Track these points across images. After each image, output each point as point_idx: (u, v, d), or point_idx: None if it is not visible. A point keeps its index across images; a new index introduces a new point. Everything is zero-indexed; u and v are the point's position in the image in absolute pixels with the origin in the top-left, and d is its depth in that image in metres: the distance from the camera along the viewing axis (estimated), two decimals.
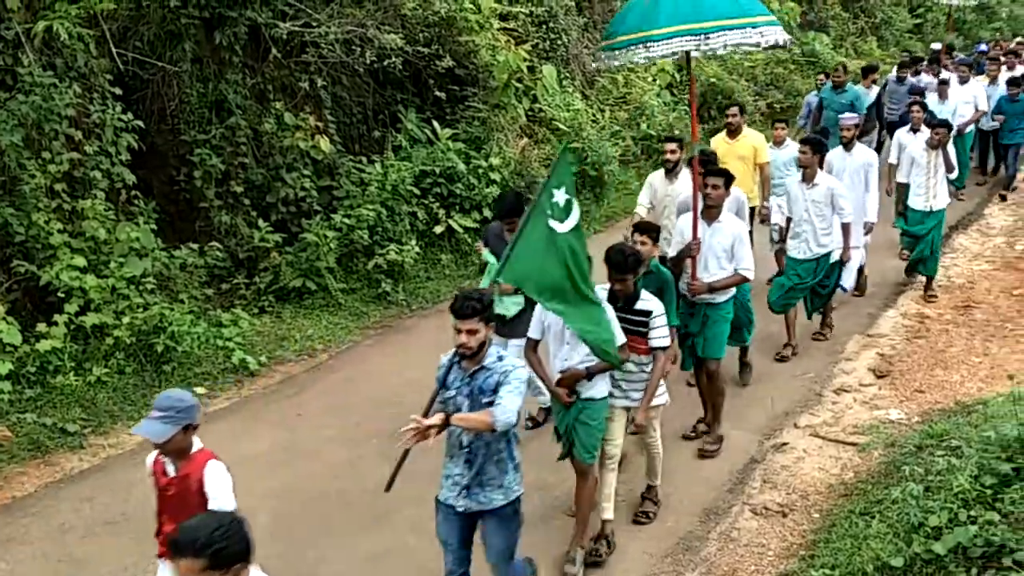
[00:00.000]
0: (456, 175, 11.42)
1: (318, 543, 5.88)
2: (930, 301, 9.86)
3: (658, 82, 17.09)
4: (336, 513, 6.20)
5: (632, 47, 6.45)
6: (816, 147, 8.39)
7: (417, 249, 10.57)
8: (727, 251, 6.78)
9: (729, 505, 6.28)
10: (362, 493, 6.25)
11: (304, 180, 10.11)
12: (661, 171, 8.67)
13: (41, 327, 7.63)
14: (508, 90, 12.58)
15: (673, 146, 8.45)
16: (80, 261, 7.85)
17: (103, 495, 6.47)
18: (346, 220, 10.08)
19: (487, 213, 11.60)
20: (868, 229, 9.48)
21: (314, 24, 10.35)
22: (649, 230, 6.19)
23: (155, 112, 9.43)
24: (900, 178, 10.66)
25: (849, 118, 9.89)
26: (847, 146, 9.59)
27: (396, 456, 4.49)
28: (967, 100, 14.30)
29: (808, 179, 8.36)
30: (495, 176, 11.72)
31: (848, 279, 9.31)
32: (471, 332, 4.34)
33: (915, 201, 9.96)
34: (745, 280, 6.92)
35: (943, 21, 31.07)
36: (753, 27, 6.36)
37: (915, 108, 11.26)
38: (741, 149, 9.47)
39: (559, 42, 14.83)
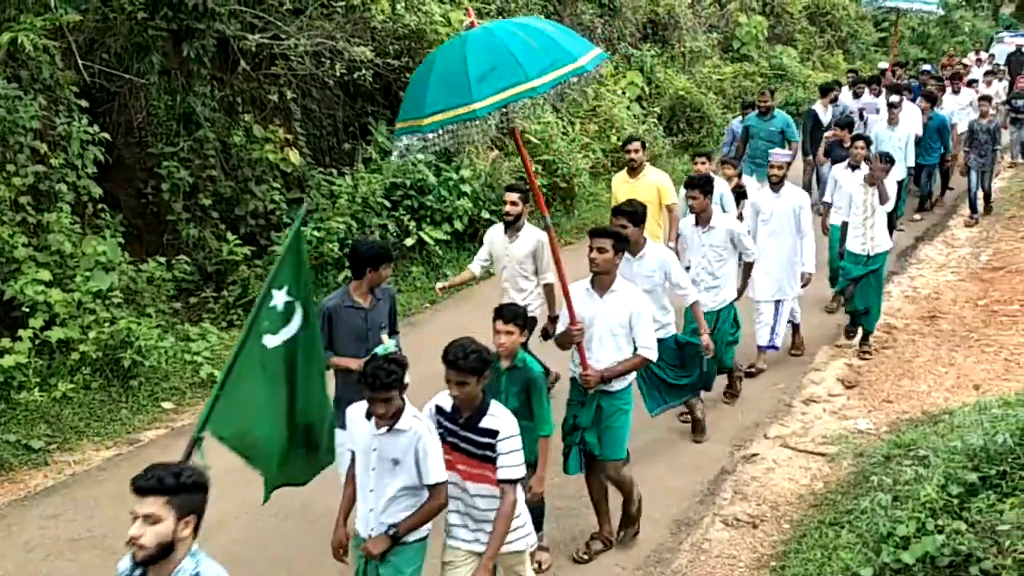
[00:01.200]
0: (427, 187, 11.41)
1: (292, 561, 5.82)
2: (864, 358, 8.82)
3: (627, 94, 17.19)
4: (309, 529, 6.14)
5: (446, 128, 4.92)
6: (705, 188, 7.38)
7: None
8: (624, 327, 5.44)
9: (700, 516, 6.29)
10: (336, 510, 6.19)
11: (273, 193, 10.06)
12: (500, 226, 7.53)
13: (5, 342, 7.52)
14: None
15: (514, 196, 7.26)
16: (45, 275, 7.75)
17: (68, 513, 6.38)
18: (316, 233, 10.03)
19: (458, 225, 11.60)
20: (804, 280, 8.44)
21: (283, 36, 10.32)
22: (516, 317, 4.92)
23: (122, 125, 9.34)
24: (836, 218, 9.46)
25: (780, 155, 8.71)
26: (776, 186, 8.37)
27: None
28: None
29: (703, 222, 7.41)
30: (466, 188, 11.73)
31: (778, 336, 8.52)
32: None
33: (853, 243, 8.91)
34: (647, 362, 5.61)
35: (908, 35, 31.52)
36: (584, 71, 5.07)
37: (859, 144, 9.81)
38: (643, 190, 8.29)
39: None
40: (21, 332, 7.57)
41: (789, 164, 8.70)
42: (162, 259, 9.03)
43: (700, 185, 7.34)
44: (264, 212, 10.02)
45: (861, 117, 13.50)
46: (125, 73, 9.13)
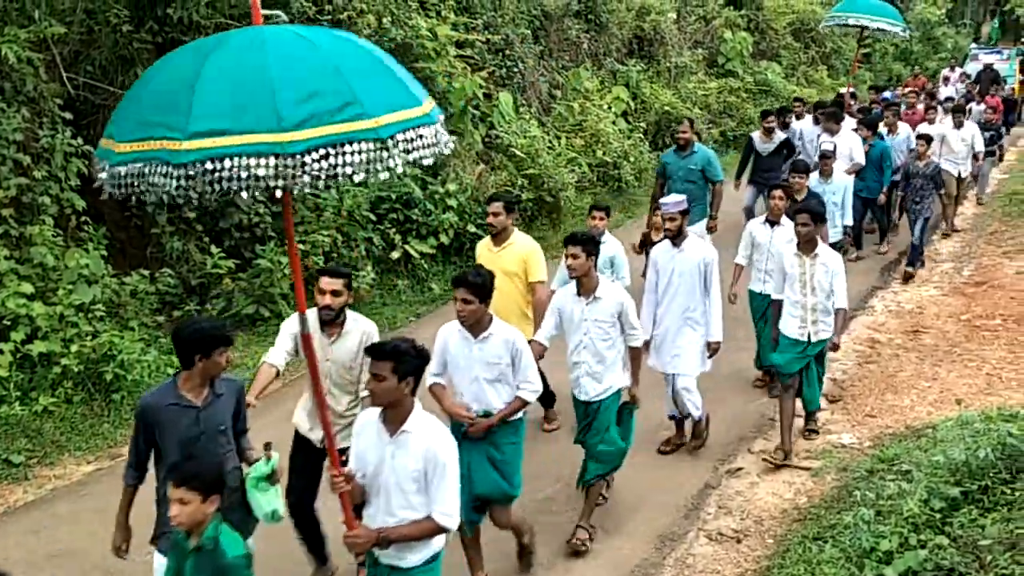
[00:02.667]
0: (413, 201, 11.41)
1: None
2: (810, 438, 7.59)
3: (613, 109, 17.27)
4: (292, 546, 6.09)
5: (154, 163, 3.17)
6: (588, 247, 5.86)
7: (373, 275, 10.54)
8: (418, 478, 4.02)
9: (684, 531, 6.29)
10: None
11: (258, 206, 10.03)
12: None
13: None
14: (465, 116, 12.62)
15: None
16: (27, 288, 7.71)
17: (49, 528, 6.32)
18: (301, 246, 10.00)
19: (443, 239, 11.60)
20: (712, 350, 7.14)
21: None
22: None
23: None
24: (756, 284, 8.33)
25: (672, 204, 7.04)
26: (675, 240, 7.02)
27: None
28: (840, 152, 11.48)
29: (585, 291, 5.94)
30: (452, 202, 11.74)
31: (693, 404, 7.18)
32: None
33: (788, 325, 7.24)
34: (441, 530, 4.09)
35: (891, 51, 31.80)
36: (431, 121, 3.70)
37: (776, 194, 8.20)
38: (508, 260, 6.93)
39: (515, 69, 14.95)
40: (2, 345, 7.51)
41: (686, 213, 7.04)
42: (145, 272, 8.98)
43: (582, 243, 5.83)
44: (249, 225, 9.98)
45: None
46: (110, 86, 9.10)
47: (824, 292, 7.08)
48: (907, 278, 11.71)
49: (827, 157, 10.36)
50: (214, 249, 9.58)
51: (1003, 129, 18.78)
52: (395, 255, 11.16)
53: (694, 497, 6.74)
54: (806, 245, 7.11)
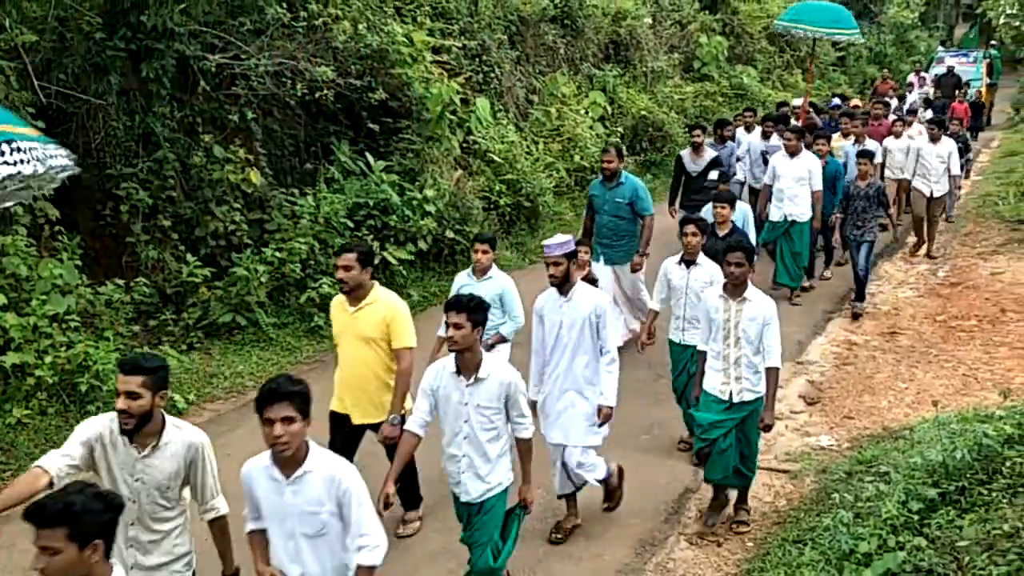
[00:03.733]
0: (390, 207, 11.37)
1: None
2: (740, 533, 6.32)
3: (590, 114, 17.31)
4: None
5: None
6: (477, 315, 4.75)
7: None
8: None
9: (665, 536, 6.29)
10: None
11: (234, 213, 9.97)
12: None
13: None
14: (442, 122, 12.60)
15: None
16: (0, 299, 7.62)
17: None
18: (277, 254, 9.95)
19: (422, 245, 11.57)
20: (603, 417, 6.01)
21: (244, 56, 10.26)
22: None
23: (80, 146, 9.20)
24: (674, 333, 7.32)
25: (554, 245, 5.82)
26: (562, 287, 5.90)
27: None
28: (799, 176, 10.85)
29: (467, 369, 4.81)
30: (430, 208, 11.70)
31: (591, 470, 6.17)
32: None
33: (710, 380, 6.25)
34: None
35: (865, 54, 32.04)
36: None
37: (689, 230, 7.09)
38: (365, 323, 5.77)
39: (492, 75, 14.95)
40: None
41: (572, 257, 5.88)
42: (120, 281, 8.90)
43: (468, 310, 4.71)
44: (225, 233, 9.92)
45: (766, 161, 11.99)
46: (83, 94, 9.02)
47: (751, 345, 6.03)
48: (855, 316, 10.63)
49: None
50: (190, 257, 9.51)
51: (970, 140, 18.08)
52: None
53: (674, 501, 6.75)
54: (735, 288, 6.07)
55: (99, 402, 7.90)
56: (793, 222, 10.91)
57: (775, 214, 11.01)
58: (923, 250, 13.15)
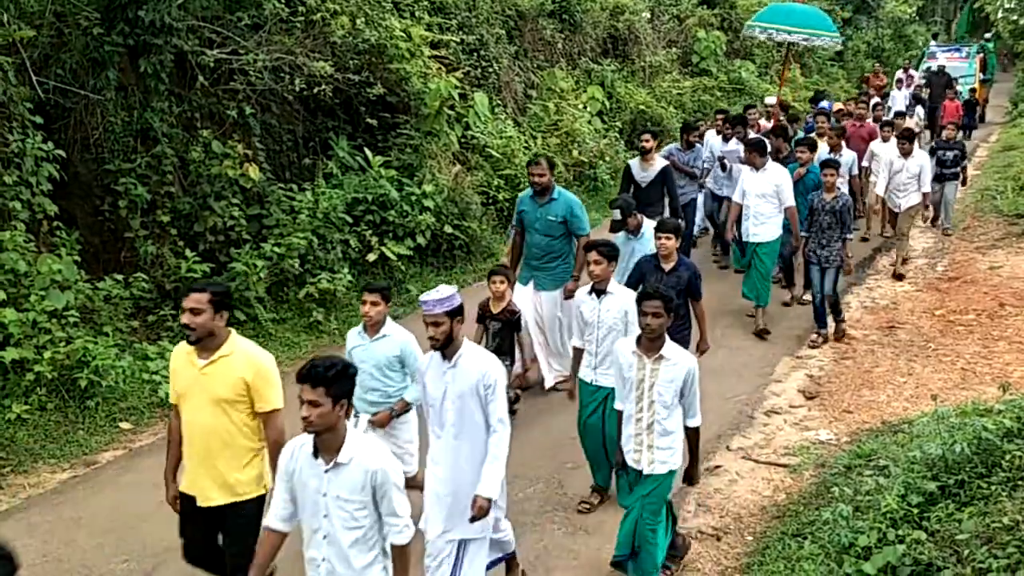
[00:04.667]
0: (389, 202, 11.37)
1: None
2: None
3: (588, 109, 17.30)
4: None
5: None
6: (333, 383, 3.78)
7: (350, 277, 10.48)
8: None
9: None
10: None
11: (233, 209, 9.95)
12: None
13: None
14: (440, 117, 12.59)
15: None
16: None
17: (23, 537, 6.23)
18: (276, 249, 9.95)
19: (420, 240, 11.57)
20: (477, 511, 4.80)
21: (242, 52, 10.25)
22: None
23: (78, 141, 9.21)
24: (584, 373, 6.43)
25: (435, 301, 4.70)
26: (445, 351, 4.80)
27: None
28: (763, 192, 9.82)
29: (326, 451, 3.91)
30: (428, 203, 11.70)
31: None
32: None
33: (624, 444, 5.41)
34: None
35: (863, 49, 32.03)
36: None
37: (592, 257, 6.23)
38: (218, 381, 4.65)
39: (490, 70, 14.94)
40: None
41: (456, 315, 4.73)
42: (119, 277, 8.89)
43: (325, 382, 3.75)
44: (223, 228, 9.90)
45: (724, 168, 11.71)
46: (81, 89, 9.00)
47: (667, 410, 5.22)
48: (816, 343, 9.65)
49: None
50: (188, 253, 9.49)
51: (966, 144, 15.84)
52: (372, 257, 11.11)
53: (674, 495, 6.73)
54: (651, 343, 5.18)
55: (98, 397, 7.92)
56: (759, 244, 9.92)
57: (747, 234, 10.06)
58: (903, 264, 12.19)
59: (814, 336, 9.73)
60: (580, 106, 17.08)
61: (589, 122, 16.87)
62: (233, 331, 4.76)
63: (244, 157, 10.10)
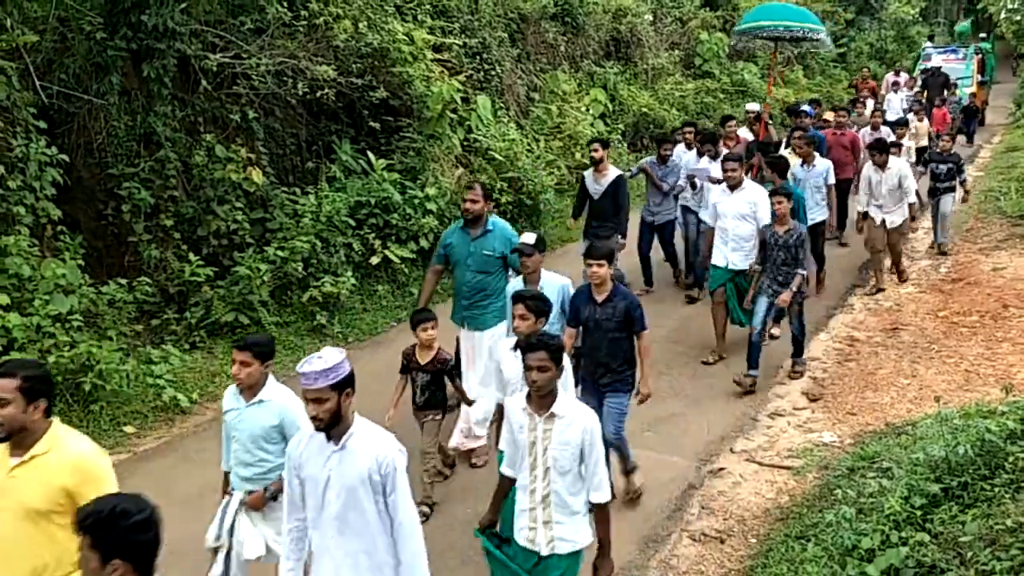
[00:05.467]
0: (392, 205, 11.39)
1: None
2: None
3: (591, 111, 17.31)
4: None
5: None
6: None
7: (353, 281, 10.50)
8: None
9: (668, 532, 6.30)
10: None
11: (236, 212, 9.98)
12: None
13: None
14: (443, 120, 12.62)
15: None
16: (3, 299, 7.62)
17: None
18: (280, 252, 9.97)
19: (424, 243, 11.59)
20: None
21: (245, 56, 10.27)
22: None
23: (81, 145, 9.24)
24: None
25: (315, 373, 3.72)
26: (330, 431, 3.83)
27: None
28: (741, 213, 8.99)
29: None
30: (431, 206, 11.72)
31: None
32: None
33: (517, 523, 4.52)
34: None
35: (866, 50, 32.01)
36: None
37: (518, 310, 5.37)
38: (29, 486, 3.72)
39: (493, 73, 14.95)
40: None
41: (343, 387, 3.77)
42: (123, 281, 8.91)
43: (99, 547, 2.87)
44: (227, 232, 9.93)
45: (693, 187, 10.91)
46: (84, 94, 9.03)
47: (564, 477, 4.33)
48: (745, 384, 8.53)
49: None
50: (192, 257, 9.52)
51: (962, 156, 13.90)
52: (375, 260, 11.13)
53: (677, 498, 6.76)
54: (540, 400, 4.33)
55: (102, 401, 7.94)
56: (736, 272, 9.06)
57: (718, 258, 9.19)
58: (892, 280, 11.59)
59: (743, 378, 8.53)
60: (583, 109, 17.09)
61: (592, 125, 16.88)
62: (56, 421, 3.84)
63: (247, 161, 10.13)
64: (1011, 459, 5.19)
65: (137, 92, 9.49)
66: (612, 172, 9.89)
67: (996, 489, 5.05)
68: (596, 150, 9.84)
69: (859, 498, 5.74)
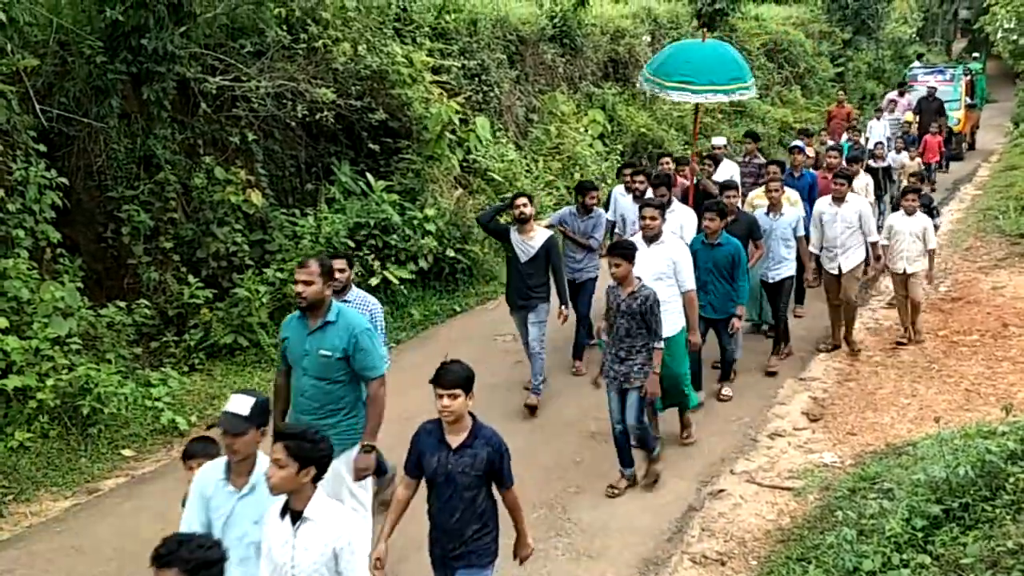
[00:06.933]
0: (391, 227, 11.41)
1: None
2: None
3: (590, 132, 17.36)
4: None
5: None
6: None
7: None
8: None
9: (668, 555, 6.26)
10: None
11: (235, 234, 9.99)
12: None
13: None
14: (441, 142, 12.65)
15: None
16: (2, 322, 7.61)
17: (23, 567, 6.22)
18: (279, 274, 9.97)
19: (423, 264, 11.60)
20: None
21: (244, 78, 10.32)
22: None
23: (81, 168, 9.26)
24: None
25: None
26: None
27: None
28: (657, 272, 7.33)
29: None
30: (430, 227, 11.74)
31: None
32: None
33: None
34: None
35: (863, 70, 32.12)
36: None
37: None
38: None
39: (491, 94, 15.01)
40: None
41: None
42: (122, 303, 8.91)
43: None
44: (226, 254, 9.94)
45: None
46: (84, 117, 9.06)
47: None
48: (652, 480, 7.18)
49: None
50: (191, 279, 9.53)
51: (933, 196, 13.03)
52: (374, 281, 11.12)
53: (678, 520, 6.73)
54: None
55: (101, 424, 7.92)
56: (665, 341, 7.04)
57: None
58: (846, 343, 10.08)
59: (616, 482, 7.07)
60: (581, 129, 17.14)
61: (591, 145, 16.92)
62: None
63: (247, 183, 10.15)
64: (1012, 480, 5.17)
65: (137, 115, 9.52)
66: (541, 234, 8.34)
67: (997, 510, 5.03)
68: (524, 205, 8.22)
69: (860, 519, 5.71)
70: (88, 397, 7.79)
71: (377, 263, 11.21)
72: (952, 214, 16.92)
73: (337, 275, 6.05)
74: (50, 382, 7.64)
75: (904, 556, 4.93)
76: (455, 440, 4.49)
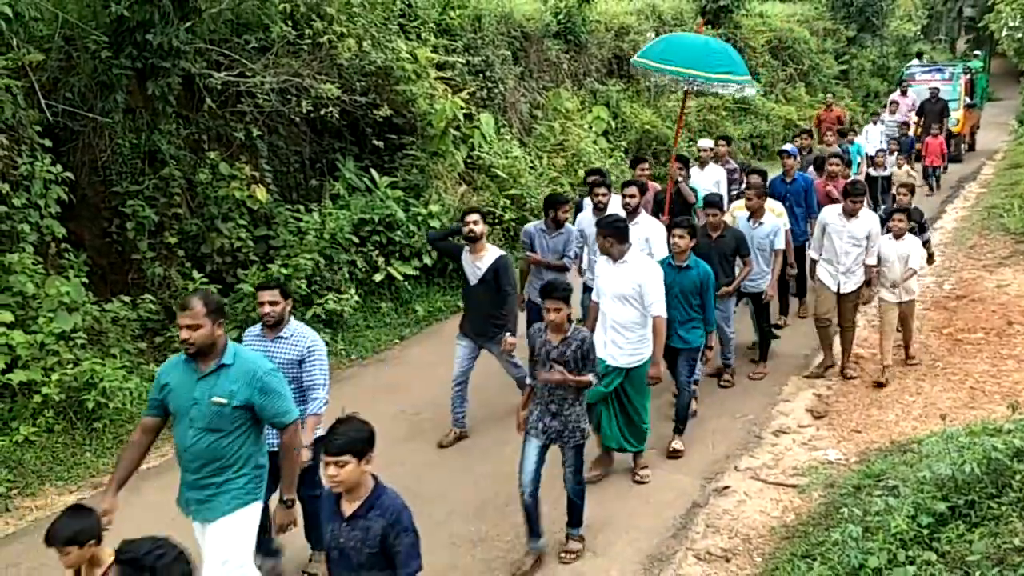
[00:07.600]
0: (395, 223, 11.41)
1: None
2: None
3: (594, 128, 17.35)
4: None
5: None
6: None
7: (356, 298, 10.51)
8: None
9: (673, 551, 6.26)
10: (301, 549, 6.11)
11: (240, 230, 10.00)
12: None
13: None
14: (446, 138, 12.65)
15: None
16: (7, 316, 7.63)
17: (30, 560, 6.23)
18: (283, 270, 9.97)
19: (427, 260, 11.60)
20: None
21: (249, 74, 10.31)
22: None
23: (86, 163, 9.26)
24: None
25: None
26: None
27: None
28: (621, 295, 6.77)
29: None
30: (434, 223, 11.74)
31: None
32: None
33: None
34: None
35: (868, 68, 32.08)
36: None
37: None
38: None
39: (496, 90, 15.01)
40: None
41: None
42: (127, 298, 8.92)
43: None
44: (231, 250, 9.95)
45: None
46: (89, 112, 9.06)
47: None
48: (573, 555, 6.15)
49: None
50: (196, 274, 9.53)
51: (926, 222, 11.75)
52: (378, 277, 11.13)
53: (682, 517, 6.72)
54: None
55: (106, 419, 7.93)
56: (622, 370, 6.86)
57: (599, 349, 6.41)
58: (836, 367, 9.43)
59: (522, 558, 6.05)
60: (585, 126, 17.14)
61: (595, 142, 16.92)
62: None
63: (251, 179, 10.15)
64: (1018, 477, 5.17)
65: (142, 110, 9.52)
66: (492, 252, 7.60)
67: (1003, 507, 5.02)
68: (475, 223, 7.48)
69: (865, 516, 5.70)
70: (93, 392, 7.80)
71: (381, 259, 11.22)
72: (957, 212, 16.89)
73: (268, 308, 5.60)
74: (55, 377, 7.66)
75: (910, 553, 4.93)
76: (349, 507, 3.84)
